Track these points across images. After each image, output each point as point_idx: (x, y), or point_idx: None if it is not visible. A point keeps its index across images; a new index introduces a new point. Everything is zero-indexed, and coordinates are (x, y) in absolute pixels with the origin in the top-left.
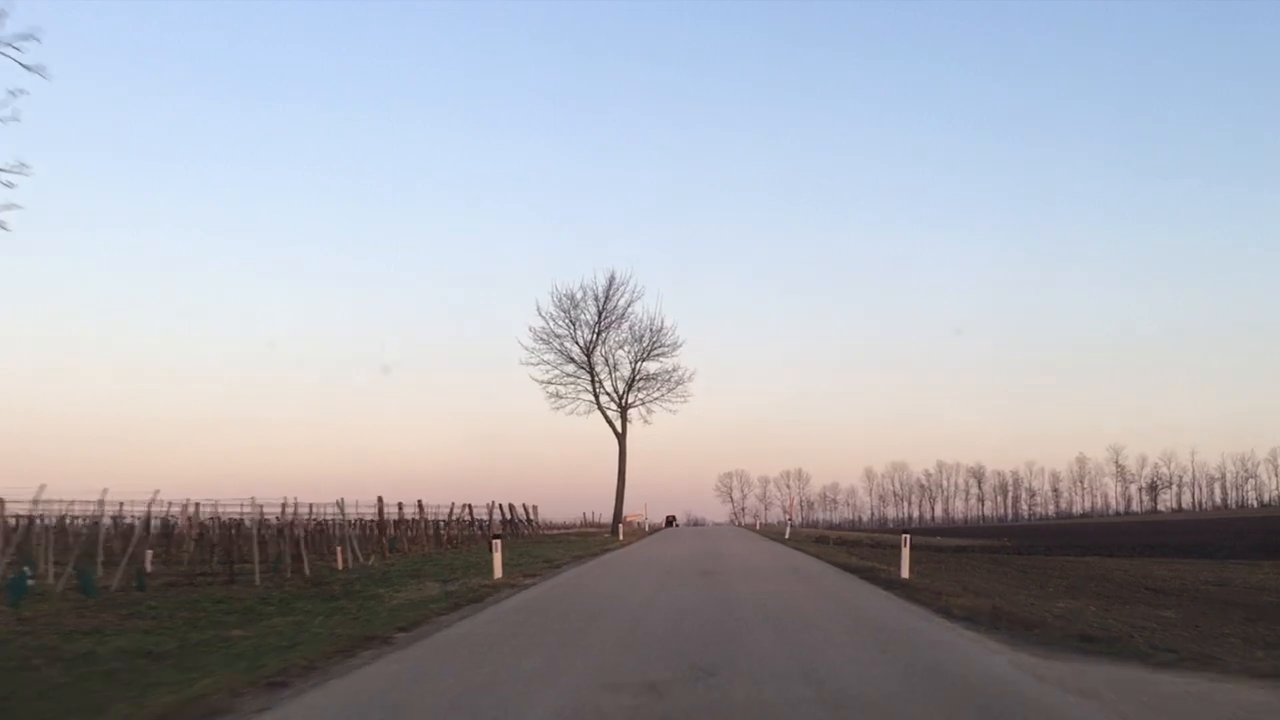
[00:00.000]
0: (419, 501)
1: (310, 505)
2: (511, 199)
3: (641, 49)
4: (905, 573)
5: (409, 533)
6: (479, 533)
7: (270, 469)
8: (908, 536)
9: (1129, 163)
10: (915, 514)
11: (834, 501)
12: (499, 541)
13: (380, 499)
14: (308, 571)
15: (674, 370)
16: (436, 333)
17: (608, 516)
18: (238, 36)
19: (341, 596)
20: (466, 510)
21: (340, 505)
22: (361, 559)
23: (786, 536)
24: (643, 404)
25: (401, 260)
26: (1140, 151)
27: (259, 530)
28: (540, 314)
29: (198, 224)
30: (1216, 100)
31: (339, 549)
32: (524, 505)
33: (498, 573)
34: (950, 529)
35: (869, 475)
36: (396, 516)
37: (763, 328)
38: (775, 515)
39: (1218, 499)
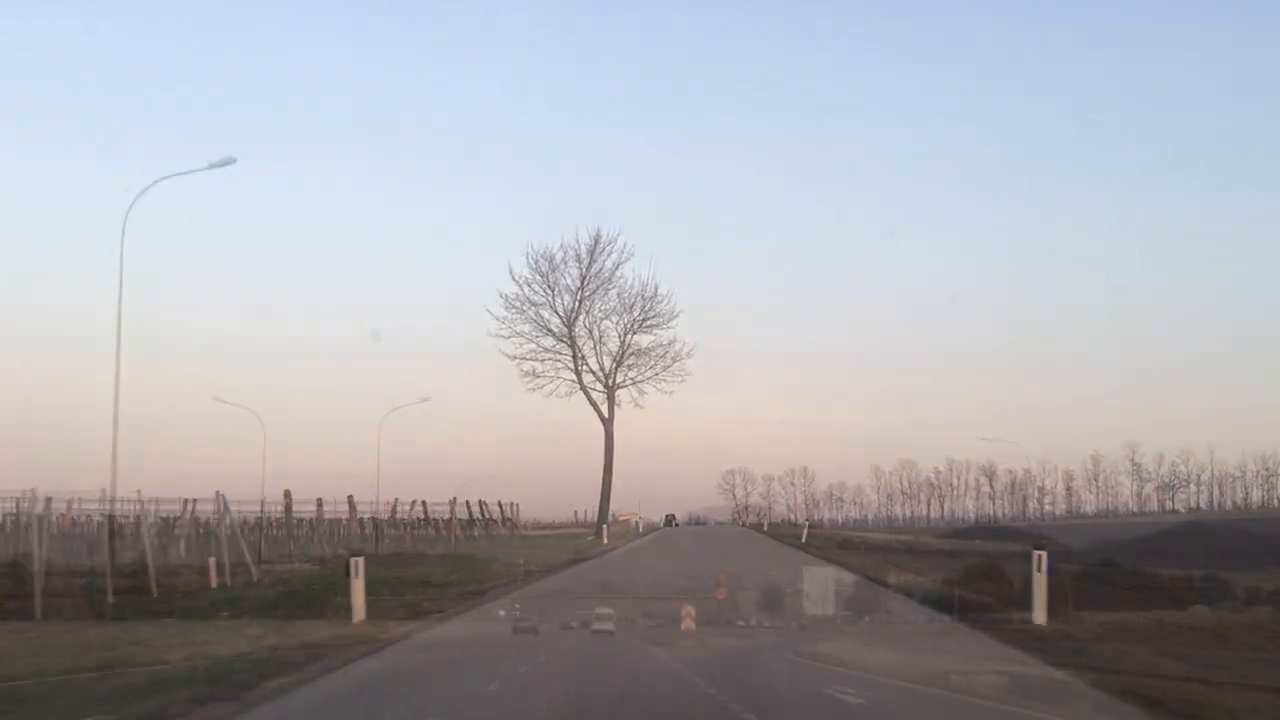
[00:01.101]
0: (350, 498)
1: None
2: (505, 198)
3: (636, 39)
4: (1040, 616)
5: (320, 535)
6: (438, 533)
7: (260, 468)
8: (1042, 555)
9: (1136, 159)
10: (924, 513)
11: (840, 500)
12: (360, 560)
13: (287, 493)
14: (154, 591)
15: (669, 344)
16: (432, 329)
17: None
18: (238, 36)
19: (94, 647)
20: (419, 508)
21: (221, 502)
22: (254, 573)
23: (804, 540)
24: (633, 383)
25: (391, 255)
26: (1144, 149)
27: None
28: (513, 278)
29: (197, 223)
30: (1215, 95)
31: (211, 561)
32: (499, 503)
33: (358, 614)
34: (962, 528)
35: (877, 473)
36: (314, 515)
37: (766, 321)
38: (780, 514)
39: (1234, 499)
